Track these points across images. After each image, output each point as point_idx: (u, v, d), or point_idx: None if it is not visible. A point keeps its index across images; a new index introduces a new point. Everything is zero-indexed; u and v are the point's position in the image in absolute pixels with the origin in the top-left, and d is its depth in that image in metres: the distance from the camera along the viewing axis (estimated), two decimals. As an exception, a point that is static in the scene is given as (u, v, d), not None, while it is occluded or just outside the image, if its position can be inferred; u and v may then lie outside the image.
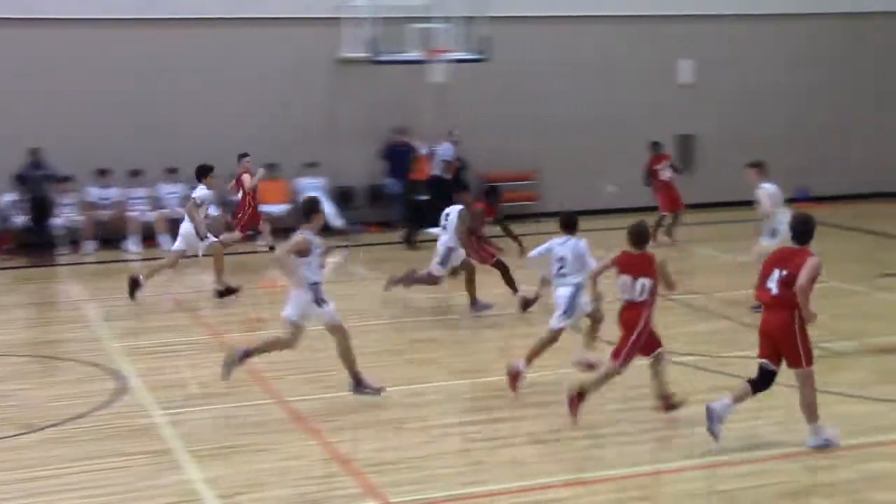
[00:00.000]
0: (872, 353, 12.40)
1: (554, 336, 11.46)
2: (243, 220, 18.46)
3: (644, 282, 10.05)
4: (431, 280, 15.07)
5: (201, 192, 16.14)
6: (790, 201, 20.84)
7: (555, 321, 11.51)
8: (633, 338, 10.15)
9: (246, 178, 18.25)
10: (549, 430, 10.07)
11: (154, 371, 12.36)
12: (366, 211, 21.80)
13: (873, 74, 24.55)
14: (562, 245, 11.65)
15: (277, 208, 20.72)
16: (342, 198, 21.59)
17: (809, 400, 9.35)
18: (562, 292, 11.57)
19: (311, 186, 21.01)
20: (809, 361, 9.25)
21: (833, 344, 12.63)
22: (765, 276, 9.33)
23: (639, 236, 10.25)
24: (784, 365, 9.37)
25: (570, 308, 11.50)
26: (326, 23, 20.66)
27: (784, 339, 9.21)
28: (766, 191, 14.82)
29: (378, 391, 11.00)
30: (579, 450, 9.55)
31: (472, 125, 22.11)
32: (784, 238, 14.15)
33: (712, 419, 9.31)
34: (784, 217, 14.58)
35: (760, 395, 9.80)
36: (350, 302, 15.90)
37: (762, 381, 9.42)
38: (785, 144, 23.29)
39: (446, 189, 20.73)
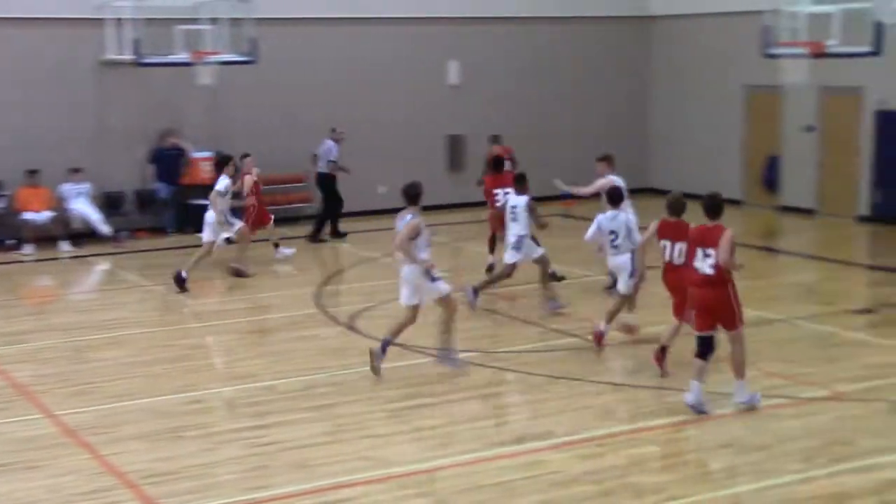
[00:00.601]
0: (634, 343, 12.96)
1: (627, 297, 12.81)
2: (251, 219, 18.23)
3: (681, 246, 11.18)
4: (509, 271, 14.72)
5: (223, 182, 16.68)
6: (555, 198, 21.58)
7: (623, 286, 12.80)
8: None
9: (247, 178, 18.06)
10: (329, 431, 10.14)
11: (-89, 390, 11.75)
12: (135, 217, 21.25)
13: (633, 76, 25.60)
14: (611, 220, 12.95)
15: (39, 216, 19.91)
16: (109, 203, 20.99)
17: (741, 357, 10.39)
18: (620, 261, 12.86)
19: (75, 192, 20.35)
20: (741, 322, 10.37)
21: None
22: (690, 256, 10.50)
23: (674, 206, 11.46)
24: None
25: (635, 271, 12.58)
26: (89, 23, 20.01)
27: (723, 310, 10.28)
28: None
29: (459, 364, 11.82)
30: (360, 450, 9.64)
31: (243, 127, 21.89)
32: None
33: (697, 408, 10.26)
34: (627, 210, 15.30)
35: (535, 388, 10.16)
36: (122, 310, 15.56)
37: (708, 348, 10.33)
38: (548, 143, 24.01)
39: (332, 186, 20.71)
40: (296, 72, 22.28)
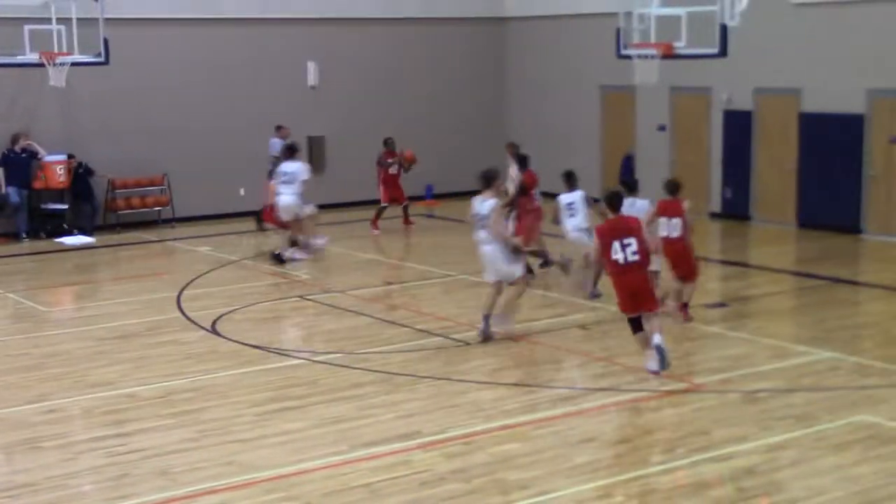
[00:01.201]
0: (499, 341, 13.10)
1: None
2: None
3: (676, 221, 13.29)
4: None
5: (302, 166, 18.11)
6: (418, 198, 21.70)
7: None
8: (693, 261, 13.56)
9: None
10: (192, 437, 9.99)
11: None
12: (-16, 222, 20.65)
13: (490, 76, 25.85)
14: (631, 207, 13.36)
15: None
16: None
17: (662, 328, 11.43)
18: None
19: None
20: (659, 304, 11.74)
21: (463, 335, 13.26)
22: (606, 248, 11.23)
23: (672, 186, 13.60)
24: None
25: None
26: (-69, 23, 19.32)
27: (644, 293, 11.24)
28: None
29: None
30: (224, 455, 9.52)
31: (99, 129, 21.44)
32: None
33: (662, 362, 11.22)
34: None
35: (400, 388, 10.17)
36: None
37: (638, 325, 11.37)
38: (407, 144, 24.04)
39: None
40: (152, 73, 21.90)
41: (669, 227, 13.36)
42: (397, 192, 20.90)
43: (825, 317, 14.15)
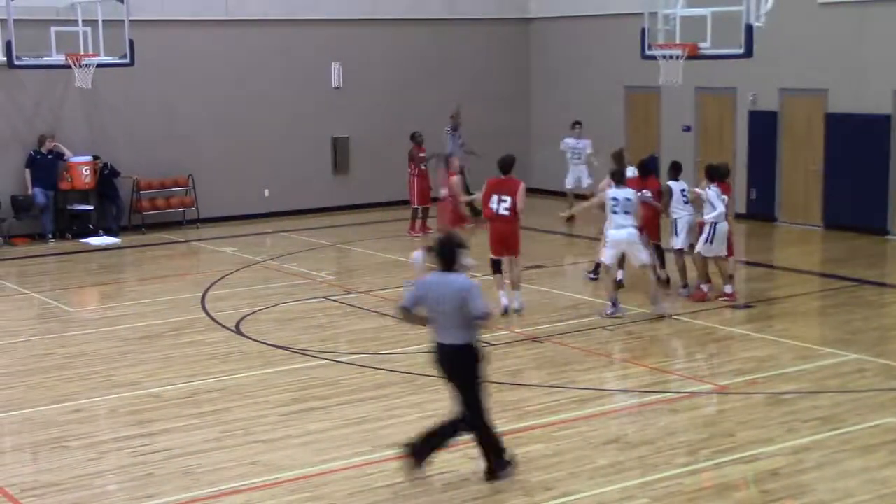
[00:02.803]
0: (522, 342, 13.09)
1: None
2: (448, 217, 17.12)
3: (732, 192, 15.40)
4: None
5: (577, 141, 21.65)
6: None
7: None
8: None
9: (454, 179, 16.93)
10: (216, 437, 10.02)
11: None
12: (11, 223, 20.72)
13: (513, 77, 25.83)
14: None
15: None
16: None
17: (519, 275, 14.26)
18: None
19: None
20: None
21: (486, 335, 13.22)
22: (487, 200, 13.85)
23: (718, 171, 14.97)
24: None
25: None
26: (-41, 25, 19.46)
27: (513, 239, 14.01)
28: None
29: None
30: (248, 455, 9.55)
31: (124, 131, 21.54)
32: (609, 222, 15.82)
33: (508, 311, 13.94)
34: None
35: (423, 389, 10.17)
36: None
37: (498, 267, 14.11)
38: (430, 145, 23.99)
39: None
40: (177, 75, 21.98)
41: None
42: (427, 193, 20.72)
43: (851, 318, 14.07)
